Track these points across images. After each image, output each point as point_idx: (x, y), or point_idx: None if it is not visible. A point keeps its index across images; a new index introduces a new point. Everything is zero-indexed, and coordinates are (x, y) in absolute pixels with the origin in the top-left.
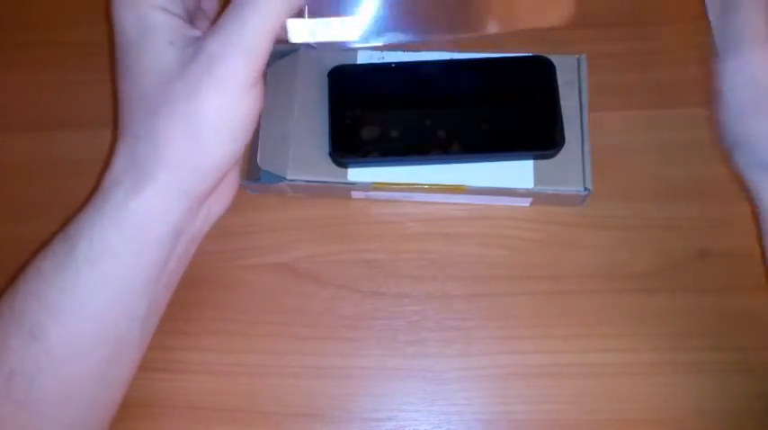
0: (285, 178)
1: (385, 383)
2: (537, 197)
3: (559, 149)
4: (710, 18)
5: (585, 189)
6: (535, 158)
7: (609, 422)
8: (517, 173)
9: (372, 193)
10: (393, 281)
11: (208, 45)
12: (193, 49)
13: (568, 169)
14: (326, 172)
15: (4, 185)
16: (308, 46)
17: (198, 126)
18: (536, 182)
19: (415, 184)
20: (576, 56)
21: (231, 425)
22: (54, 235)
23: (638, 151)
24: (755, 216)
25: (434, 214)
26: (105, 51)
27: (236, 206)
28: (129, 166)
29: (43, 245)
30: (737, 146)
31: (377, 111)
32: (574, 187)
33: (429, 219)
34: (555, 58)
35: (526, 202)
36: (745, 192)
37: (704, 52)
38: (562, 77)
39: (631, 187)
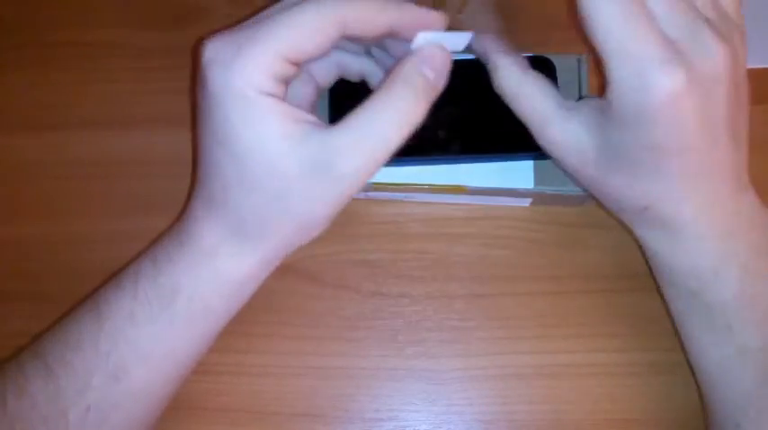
0: None
1: (385, 383)
2: (537, 197)
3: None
4: None
5: (585, 190)
6: (535, 159)
7: (609, 422)
8: (517, 173)
9: (373, 194)
10: (393, 281)
11: (333, 151)
12: (313, 147)
13: None
14: None
15: (5, 185)
16: None
17: (311, 222)
18: (536, 182)
19: (416, 185)
20: (577, 56)
21: (231, 425)
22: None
23: None
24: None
25: (435, 214)
26: (105, 51)
27: None
28: (231, 238)
29: (45, 247)
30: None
31: None
32: (574, 187)
33: (429, 220)
34: (555, 58)
35: (526, 202)
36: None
37: None
38: (562, 77)
39: None
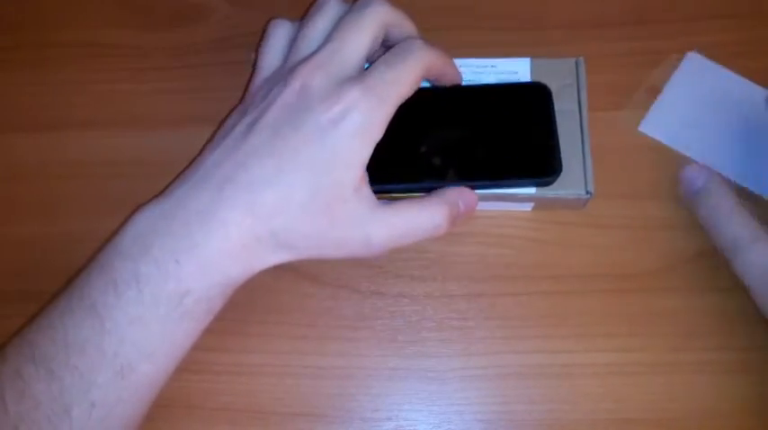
0: None
1: (385, 383)
2: (539, 202)
3: (557, 177)
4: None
5: (587, 192)
6: (535, 186)
7: (609, 422)
8: None
9: None
10: (393, 281)
11: (376, 225)
12: (372, 214)
13: (570, 173)
14: None
15: (5, 185)
16: None
17: (334, 255)
18: (538, 187)
19: (418, 193)
20: (575, 58)
21: (231, 425)
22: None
23: (638, 151)
24: None
25: None
26: (105, 51)
27: None
28: (251, 247)
29: (45, 247)
30: None
31: None
32: (576, 191)
33: None
34: (553, 61)
35: (528, 207)
36: None
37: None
38: (561, 81)
39: (631, 187)
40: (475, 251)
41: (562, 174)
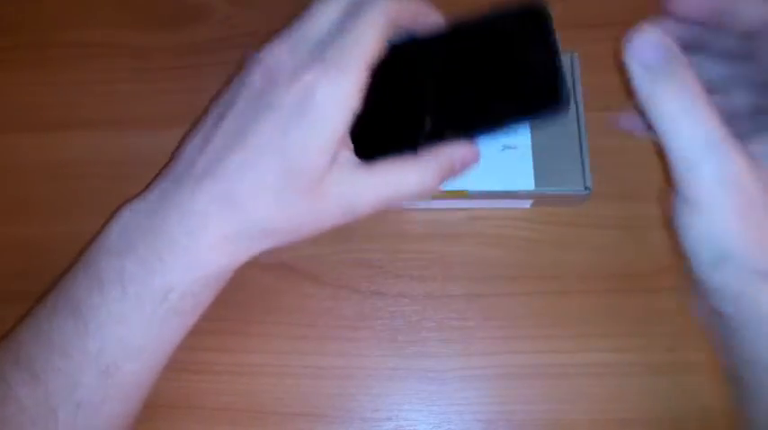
0: None
1: (385, 383)
2: (538, 199)
3: (566, 106)
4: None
5: (586, 188)
6: (544, 119)
7: (609, 422)
8: (517, 175)
9: None
10: (393, 281)
11: (359, 190)
12: (352, 180)
13: (568, 169)
14: None
15: (5, 185)
16: None
17: (312, 232)
18: (536, 183)
19: None
20: (569, 52)
21: (231, 425)
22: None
23: (638, 151)
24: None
25: (435, 214)
26: (105, 51)
27: None
28: (240, 237)
29: (45, 247)
30: (724, 259)
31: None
32: (574, 187)
33: (429, 219)
34: None
35: (527, 204)
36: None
37: None
38: None
39: (631, 187)
40: (475, 251)
41: (561, 172)
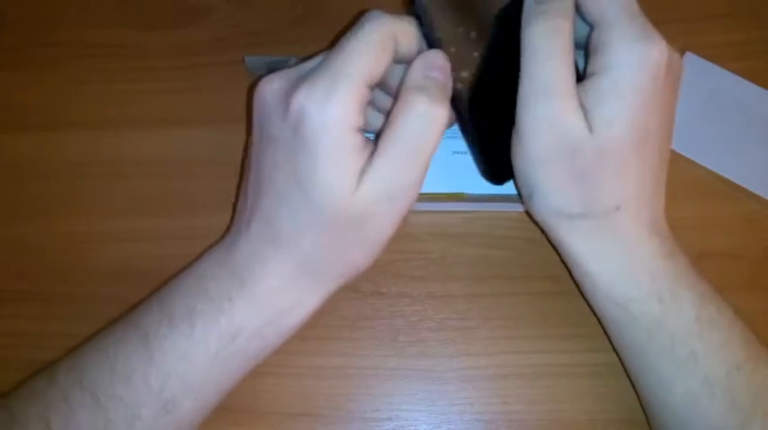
0: None
1: (385, 383)
2: None
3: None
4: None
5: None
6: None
7: (609, 422)
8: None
9: None
10: (393, 281)
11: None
12: (381, 178)
13: None
14: None
15: (5, 185)
16: None
17: (381, 244)
18: None
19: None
20: None
21: (231, 425)
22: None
23: None
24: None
25: (435, 214)
26: (105, 51)
27: None
28: (301, 277)
29: (45, 247)
30: (533, 193)
31: None
32: None
33: (429, 220)
34: None
35: (522, 208)
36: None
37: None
38: None
39: None
40: (475, 251)
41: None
